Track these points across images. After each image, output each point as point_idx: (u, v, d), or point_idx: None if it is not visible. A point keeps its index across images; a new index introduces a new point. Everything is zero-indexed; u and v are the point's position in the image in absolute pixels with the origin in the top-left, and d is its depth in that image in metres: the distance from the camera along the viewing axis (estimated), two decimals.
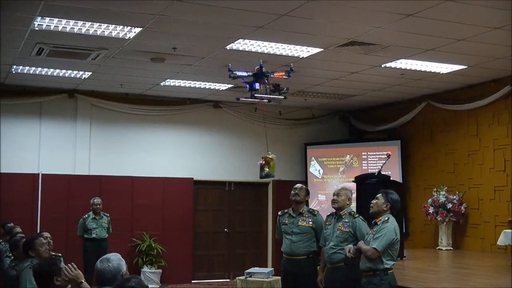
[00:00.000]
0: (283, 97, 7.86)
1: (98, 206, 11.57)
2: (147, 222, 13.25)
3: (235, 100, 8.34)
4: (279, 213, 7.55)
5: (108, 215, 11.70)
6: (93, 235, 11.39)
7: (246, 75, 7.56)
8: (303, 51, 9.64)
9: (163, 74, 11.41)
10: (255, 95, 7.67)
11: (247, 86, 7.59)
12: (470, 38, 8.84)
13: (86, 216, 11.50)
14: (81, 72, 11.28)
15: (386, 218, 5.90)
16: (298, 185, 7.54)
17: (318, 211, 7.52)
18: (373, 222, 6.04)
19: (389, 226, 5.83)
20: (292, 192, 7.39)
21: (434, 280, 7.68)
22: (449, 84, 12.17)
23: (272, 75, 7.61)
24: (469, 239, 12.30)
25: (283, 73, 7.65)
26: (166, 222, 13.52)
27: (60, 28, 8.33)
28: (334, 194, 6.80)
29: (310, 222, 7.22)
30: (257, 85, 7.49)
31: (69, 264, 4.50)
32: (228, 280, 14.10)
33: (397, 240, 5.88)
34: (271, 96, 7.76)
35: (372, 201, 6.07)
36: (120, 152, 13.38)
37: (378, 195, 6.06)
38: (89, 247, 11.34)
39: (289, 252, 7.22)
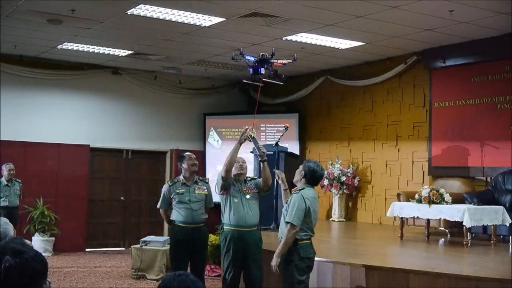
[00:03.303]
0: (282, 83, 8.21)
1: (11, 172, 11.11)
2: (40, 189, 12.84)
3: (241, 81, 8.68)
4: (168, 182, 7.52)
5: (20, 181, 11.29)
6: (6, 203, 10.91)
7: (254, 60, 7.73)
8: (205, 20, 9.57)
9: (60, 37, 11.03)
10: (263, 79, 7.89)
11: (251, 70, 7.75)
12: (368, 16, 9.05)
13: None
14: None
15: (298, 189, 5.71)
16: (190, 154, 7.52)
17: (208, 179, 7.74)
18: None
19: (295, 196, 5.62)
20: (190, 162, 7.37)
21: (325, 250, 7.91)
22: (347, 60, 12.45)
23: (274, 62, 7.87)
24: (361, 211, 12.75)
25: (286, 62, 8.01)
26: (60, 189, 13.18)
27: None
28: (241, 161, 6.89)
29: (205, 190, 7.37)
30: (262, 70, 7.69)
31: None
32: (123, 248, 13.96)
33: (308, 209, 5.57)
34: (272, 81, 8.04)
35: None
36: (13, 116, 12.82)
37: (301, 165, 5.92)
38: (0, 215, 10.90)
39: (189, 221, 7.23)
